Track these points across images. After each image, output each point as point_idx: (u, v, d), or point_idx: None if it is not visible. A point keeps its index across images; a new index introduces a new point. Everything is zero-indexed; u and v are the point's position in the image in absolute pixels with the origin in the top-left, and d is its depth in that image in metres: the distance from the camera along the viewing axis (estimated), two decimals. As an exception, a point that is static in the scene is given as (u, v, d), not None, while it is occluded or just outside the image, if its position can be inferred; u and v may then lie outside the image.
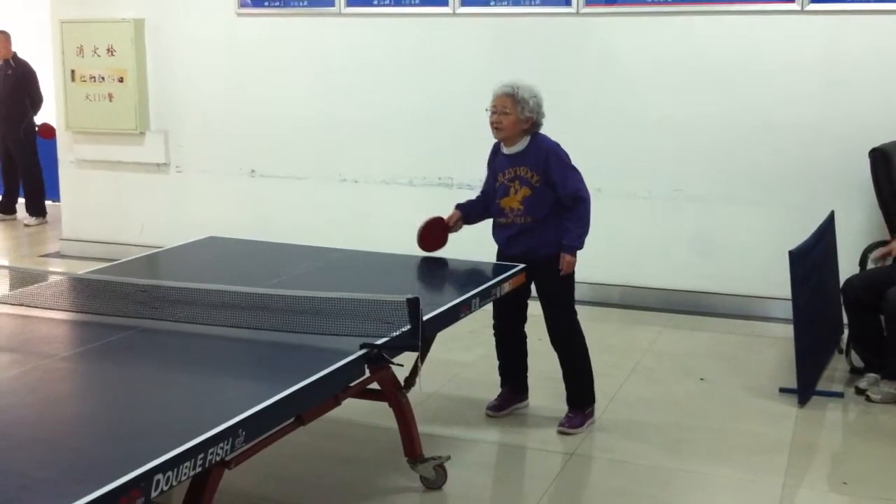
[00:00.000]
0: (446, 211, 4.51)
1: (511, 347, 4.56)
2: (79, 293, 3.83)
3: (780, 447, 4.21)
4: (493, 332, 4.57)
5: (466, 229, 4.51)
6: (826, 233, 5.31)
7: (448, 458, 3.82)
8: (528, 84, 4.26)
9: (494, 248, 4.49)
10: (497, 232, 4.45)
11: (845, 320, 5.13)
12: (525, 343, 4.56)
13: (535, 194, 4.26)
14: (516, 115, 4.22)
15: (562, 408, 4.45)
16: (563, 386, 4.47)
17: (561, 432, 4.36)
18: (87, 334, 3.40)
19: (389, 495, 3.80)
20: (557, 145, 4.32)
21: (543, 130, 4.36)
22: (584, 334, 4.42)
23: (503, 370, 4.61)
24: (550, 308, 4.39)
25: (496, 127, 4.28)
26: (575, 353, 4.41)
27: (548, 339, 4.43)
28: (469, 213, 4.52)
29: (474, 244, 4.50)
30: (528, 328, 4.55)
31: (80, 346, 3.32)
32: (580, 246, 4.28)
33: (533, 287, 4.42)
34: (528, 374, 4.63)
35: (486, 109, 4.29)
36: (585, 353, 4.43)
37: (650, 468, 4.05)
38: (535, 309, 4.48)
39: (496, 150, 4.44)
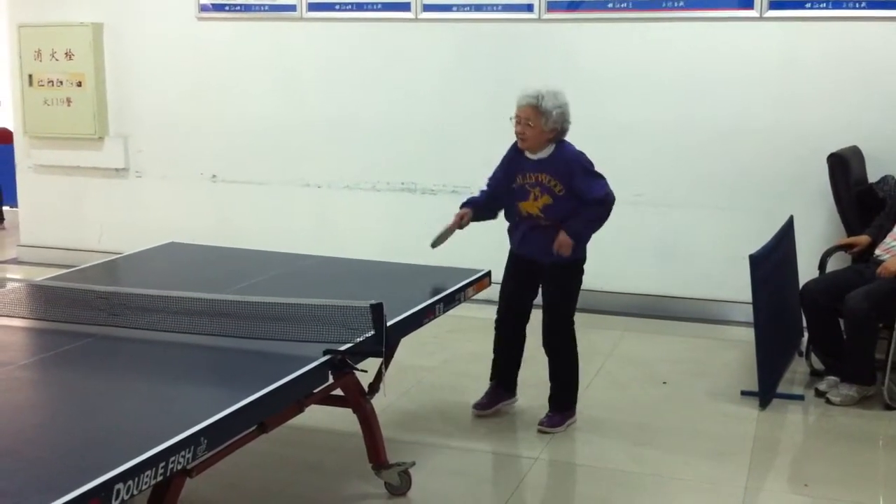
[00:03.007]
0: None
1: (509, 344, 4.56)
2: (36, 300, 3.77)
3: (742, 450, 4.25)
4: (494, 326, 4.56)
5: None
6: (785, 237, 5.37)
7: (413, 463, 3.80)
8: (553, 91, 4.17)
9: (489, 253, 4.50)
10: (514, 230, 4.42)
11: (804, 323, 5.19)
12: (523, 342, 4.56)
13: (557, 203, 4.24)
14: (540, 127, 4.17)
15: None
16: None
17: (541, 431, 4.38)
18: (45, 342, 3.35)
19: (354, 502, 3.78)
20: (581, 154, 4.28)
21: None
22: (577, 342, 4.44)
23: (496, 365, 4.61)
24: (549, 312, 4.39)
25: (521, 138, 4.23)
26: (566, 359, 4.44)
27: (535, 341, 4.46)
28: (477, 211, 4.42)
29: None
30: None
31: (38, 353, 3.26)
32: (582, 237, 4.26)
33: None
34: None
35: (511, 118, 4.23)
36: (576, 360, 4.46)
37: (614, 472, 4.06)
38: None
39: (517, 149, 4.34)
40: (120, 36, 7.42)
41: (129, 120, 7.52)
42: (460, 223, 4.38)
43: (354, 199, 6.95)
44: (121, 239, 7.22)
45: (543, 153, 4.27)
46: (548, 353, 4.44)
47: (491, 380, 4.62)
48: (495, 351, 4.60)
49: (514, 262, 4.44)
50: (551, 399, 4.48)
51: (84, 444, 2.48)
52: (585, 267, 4.40)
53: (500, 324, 4.55)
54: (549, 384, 4.50)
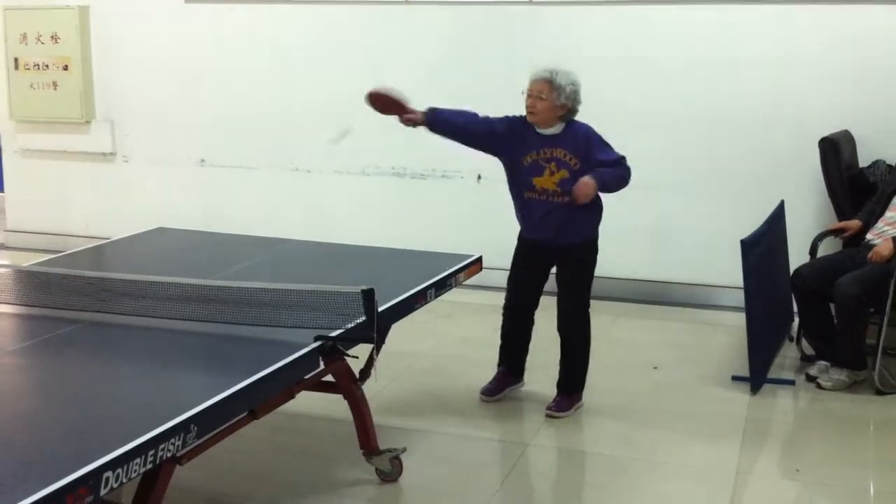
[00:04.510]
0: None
1: (519, 330, 4.55)
2: (23, 286, 3.73)
3: (733, 434, 4.25)
4: (501, 312, 4.55)
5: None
6: (777, 222, 5.37)
7: (404, 449, 3.79)
8: (567, 70, 4.23)
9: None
10: (527, 211, 4.36)
11: (795, 308, 5.19)
12: (531, 328, 4.56)
13: (573, 177, 4.22)
14: (551, 102, 4.18)
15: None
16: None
17: (549, 415, 4.39)
18: (32, 328, 3.32)
19: (345, 488, 3.76)
20: (591, 127, 4.31)
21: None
22: (591, 326, 4.46)
23: (504, 351, 4.60)
24: (566, 295, 4.39)
25: (530, 111, 4.23)
26: (579, 343, 4.45)
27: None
28: (441, 121, 4.31)
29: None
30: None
31: (25, 340, 3.24)
32: (603, 186, 4.24)
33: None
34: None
35: (522, 92, 4.24)
36: (588, 344, 4.47)
37: (604, 457, 4.07)
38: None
39: (524, 124, 4.28)
40: (106, 19, 7.34)
41: (116, 104, 7.45)
42: (406, 121, 4.31)
43: (344, 183, 6.91)
44: (108, 224, 7.16)
45: (555, 129, 4.25)
46: (562, 336, 4.43)
47: (499, 365, 4.61)
48: (503, 336, 4.58)
49: (527, 248, 4.41)
50: (560, 384, 4.47)
51: (72, 431, 2.46)
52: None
53: (509, 310, 4.53)
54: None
